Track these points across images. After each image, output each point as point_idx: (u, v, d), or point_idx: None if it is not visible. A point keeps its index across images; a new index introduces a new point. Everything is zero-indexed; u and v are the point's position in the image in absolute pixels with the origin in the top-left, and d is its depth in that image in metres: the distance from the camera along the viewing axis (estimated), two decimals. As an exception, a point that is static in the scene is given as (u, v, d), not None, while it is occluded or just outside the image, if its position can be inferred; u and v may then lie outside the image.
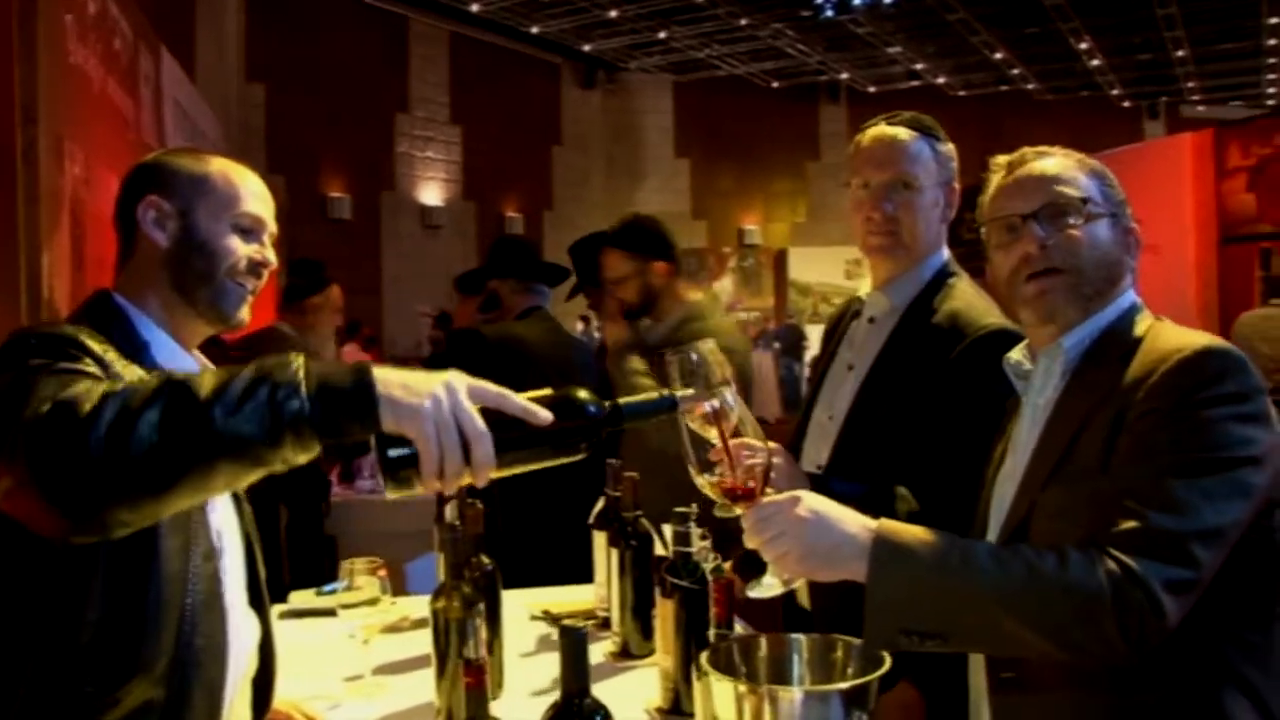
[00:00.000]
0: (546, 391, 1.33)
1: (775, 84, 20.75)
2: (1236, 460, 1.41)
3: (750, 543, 1.50)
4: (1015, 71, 19.51)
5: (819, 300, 20.66)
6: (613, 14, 16.69)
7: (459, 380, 1.25)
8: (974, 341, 1.99)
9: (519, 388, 1.30)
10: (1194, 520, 1.37)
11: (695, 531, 1.94)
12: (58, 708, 1.41)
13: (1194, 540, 1.37)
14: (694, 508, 1.90)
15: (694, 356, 1.53)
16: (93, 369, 1.39)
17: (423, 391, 1.21)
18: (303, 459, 1.20)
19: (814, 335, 18.62)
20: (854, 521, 1.49)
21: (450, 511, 1.95)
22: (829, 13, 15.16)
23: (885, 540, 1.46)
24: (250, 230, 1.66)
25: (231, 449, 1.17)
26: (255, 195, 1.67)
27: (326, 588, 2.55)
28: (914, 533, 1.49)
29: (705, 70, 19.98)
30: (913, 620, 1.43)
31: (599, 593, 2.46)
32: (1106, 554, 1.37)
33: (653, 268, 3.15)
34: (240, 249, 1.64)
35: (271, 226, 1.70)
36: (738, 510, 1.56)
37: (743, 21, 16.86)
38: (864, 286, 2.24)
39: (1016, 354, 1.74)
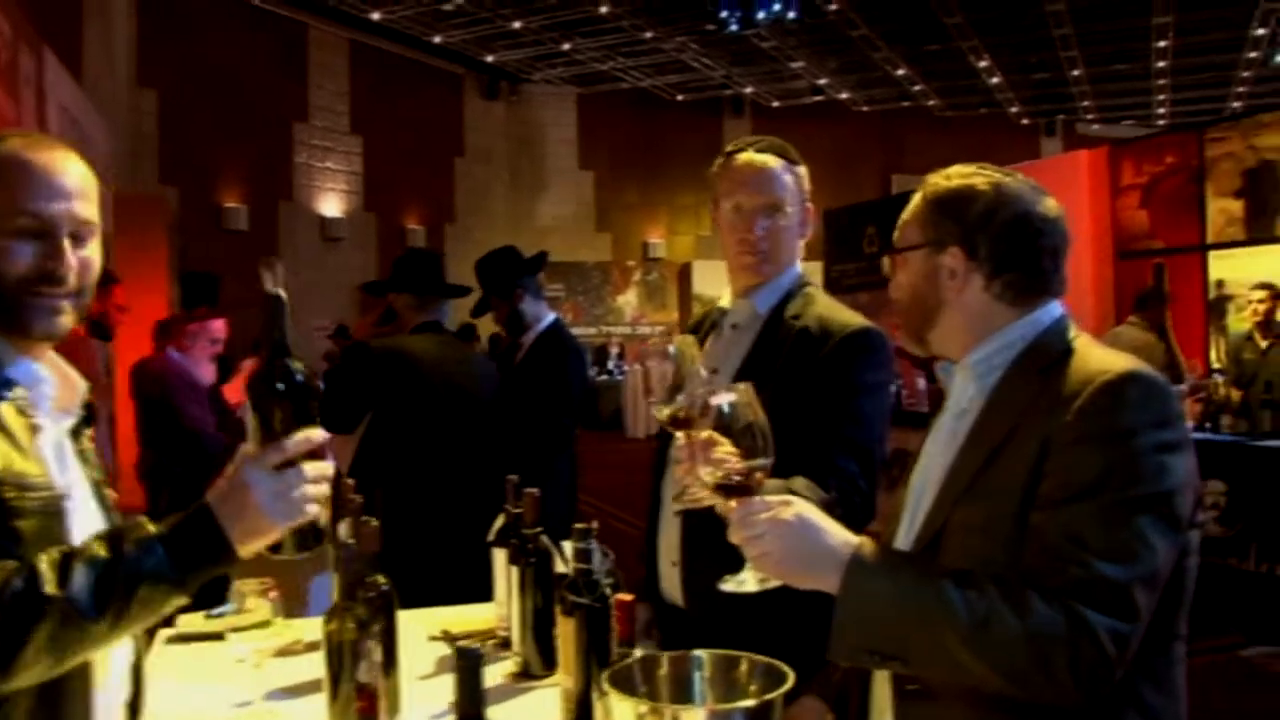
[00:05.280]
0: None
1: (680, 97, 20.89)
2: (1166, 495, 1.44)
3: (734, 537, 1.52)
4: (917, 88, 19.92)
5: (723, 313, 20.82)
6: (516, 25, 16.65)
7: (253, 463, 1.39)
8: (842, 340, 2.24)
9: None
10: (1135, 567, 1.41)
11: (596, 548, 1.92)
12: None
13: (1137, 587, 1.40)
14: (594, 524, 1.88)
15: (670, 349, 1.85)
16: None
17: (247, 500, 1.36)
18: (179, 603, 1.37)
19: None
20: (838, 535, 1.51)
21: (344, 529, 1.88)
22: (733, 27, 15.30)
23: (861, 559, 1.48)
24: (43, 232, 1.43)
25: (112, 634, 1.33)
26: (45, 188, 1.44)
27: (215, 611, 2.47)
28: (891, 557, 1.55)
29: (609, 83, 20.02)
30: (877, 641, 1.47)
31: (499, 611, 2.42)
32: (1061, 603, 1.40)
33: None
34: (25, 259, 1.42)
35: (83, 216, 1.47)
36: (708, 502, 1.67)
37: (647, 35, 16.94)
38: (725, 298, 2.47)
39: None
